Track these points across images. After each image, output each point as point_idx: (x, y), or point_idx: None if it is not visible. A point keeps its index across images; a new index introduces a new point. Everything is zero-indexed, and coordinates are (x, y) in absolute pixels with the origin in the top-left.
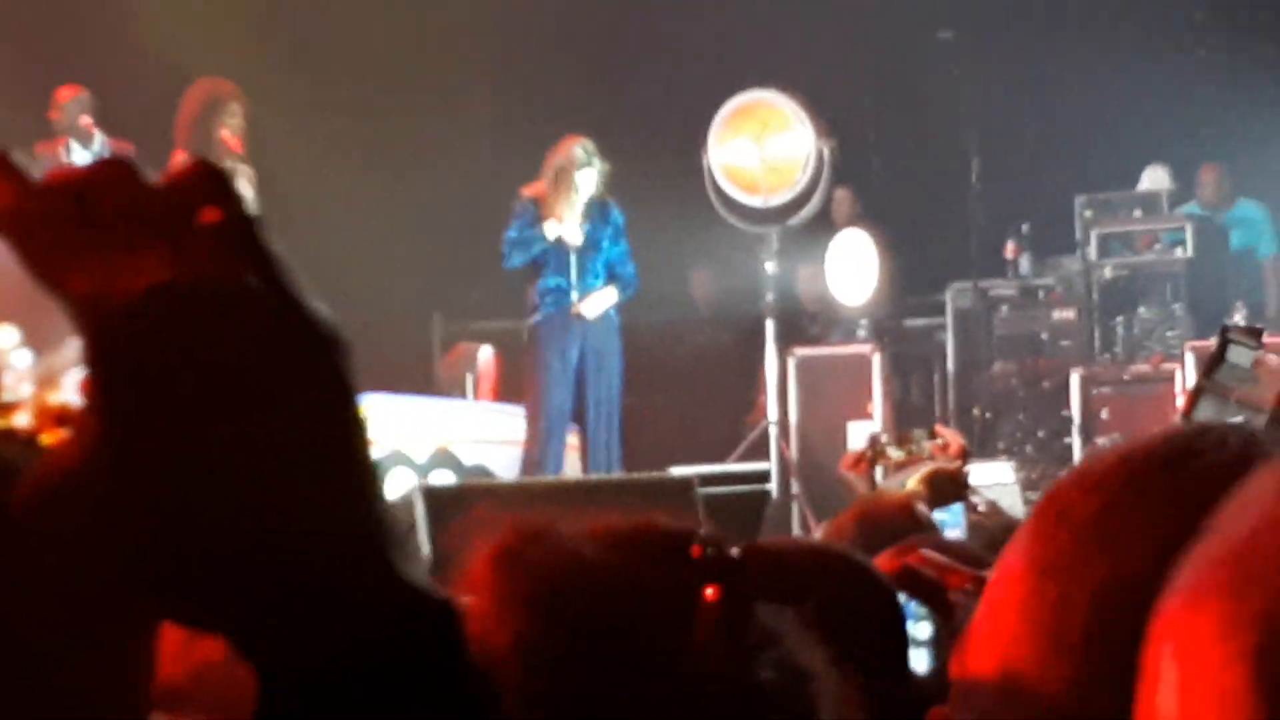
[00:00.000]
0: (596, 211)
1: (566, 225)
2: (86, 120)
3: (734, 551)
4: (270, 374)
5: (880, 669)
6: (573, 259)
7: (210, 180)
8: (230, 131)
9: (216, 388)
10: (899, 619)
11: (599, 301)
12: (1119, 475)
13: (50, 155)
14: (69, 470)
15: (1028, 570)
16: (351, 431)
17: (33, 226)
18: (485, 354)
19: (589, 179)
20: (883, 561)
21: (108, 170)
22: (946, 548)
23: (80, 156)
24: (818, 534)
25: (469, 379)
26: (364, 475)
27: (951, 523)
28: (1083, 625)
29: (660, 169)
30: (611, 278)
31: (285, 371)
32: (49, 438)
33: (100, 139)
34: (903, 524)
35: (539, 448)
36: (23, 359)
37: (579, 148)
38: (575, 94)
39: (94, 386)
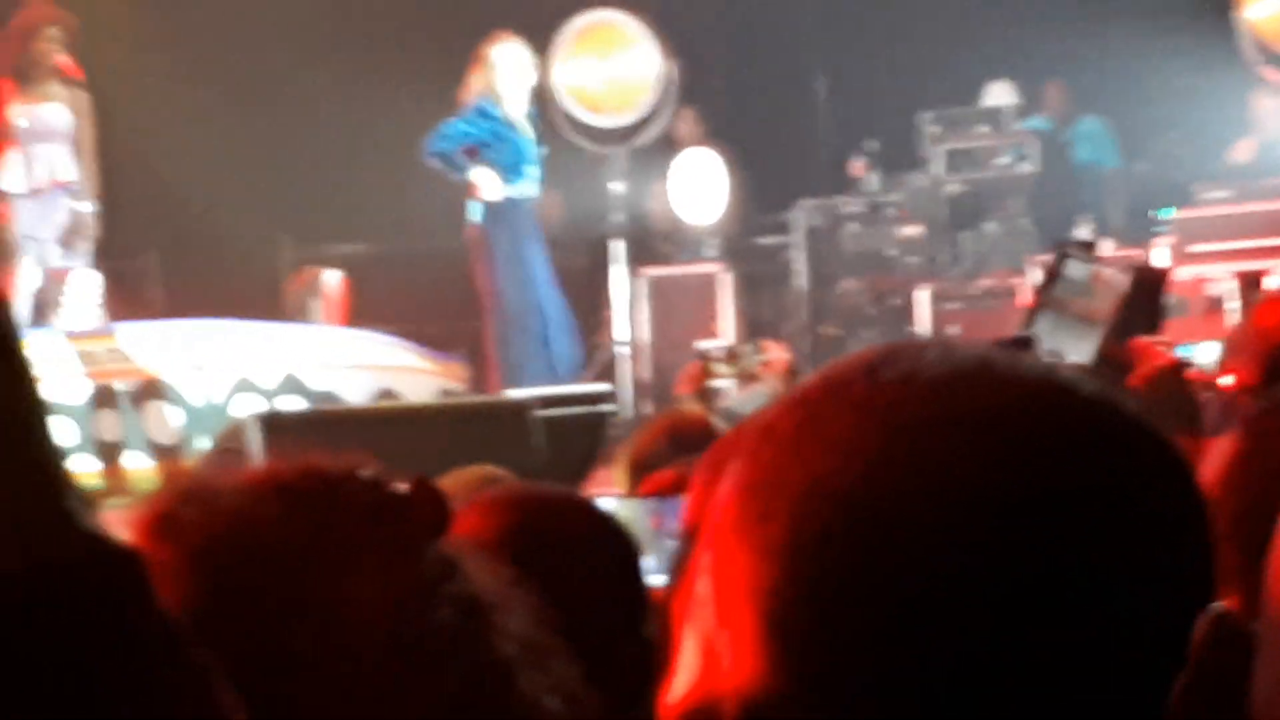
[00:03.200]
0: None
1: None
2: None
3: (399, 488)
4: None
5: (576, 585)
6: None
7: None
8: (64, 56)
9: None
10: (597, 539)
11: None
12: (820, 389)
13: None
14: None
15: (737, 490)
16: (14, 379)
17: None
18: (332, 278)
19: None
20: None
21: None
22: None
23: None
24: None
25: (315, 304)
26: (33, 426)
27: None
28: (783, 532)
29: None
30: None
31: None
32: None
33: None
34: (707, 438)
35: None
36: None
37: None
38: (416, 16)
39: None
